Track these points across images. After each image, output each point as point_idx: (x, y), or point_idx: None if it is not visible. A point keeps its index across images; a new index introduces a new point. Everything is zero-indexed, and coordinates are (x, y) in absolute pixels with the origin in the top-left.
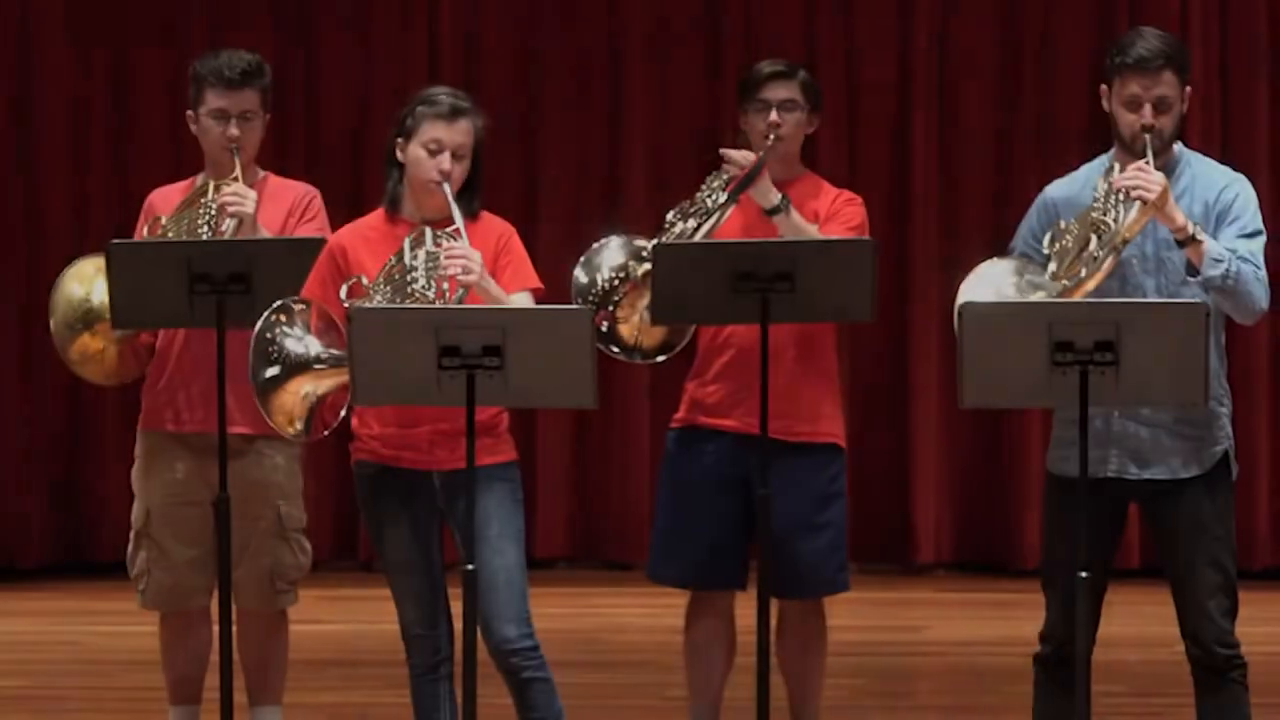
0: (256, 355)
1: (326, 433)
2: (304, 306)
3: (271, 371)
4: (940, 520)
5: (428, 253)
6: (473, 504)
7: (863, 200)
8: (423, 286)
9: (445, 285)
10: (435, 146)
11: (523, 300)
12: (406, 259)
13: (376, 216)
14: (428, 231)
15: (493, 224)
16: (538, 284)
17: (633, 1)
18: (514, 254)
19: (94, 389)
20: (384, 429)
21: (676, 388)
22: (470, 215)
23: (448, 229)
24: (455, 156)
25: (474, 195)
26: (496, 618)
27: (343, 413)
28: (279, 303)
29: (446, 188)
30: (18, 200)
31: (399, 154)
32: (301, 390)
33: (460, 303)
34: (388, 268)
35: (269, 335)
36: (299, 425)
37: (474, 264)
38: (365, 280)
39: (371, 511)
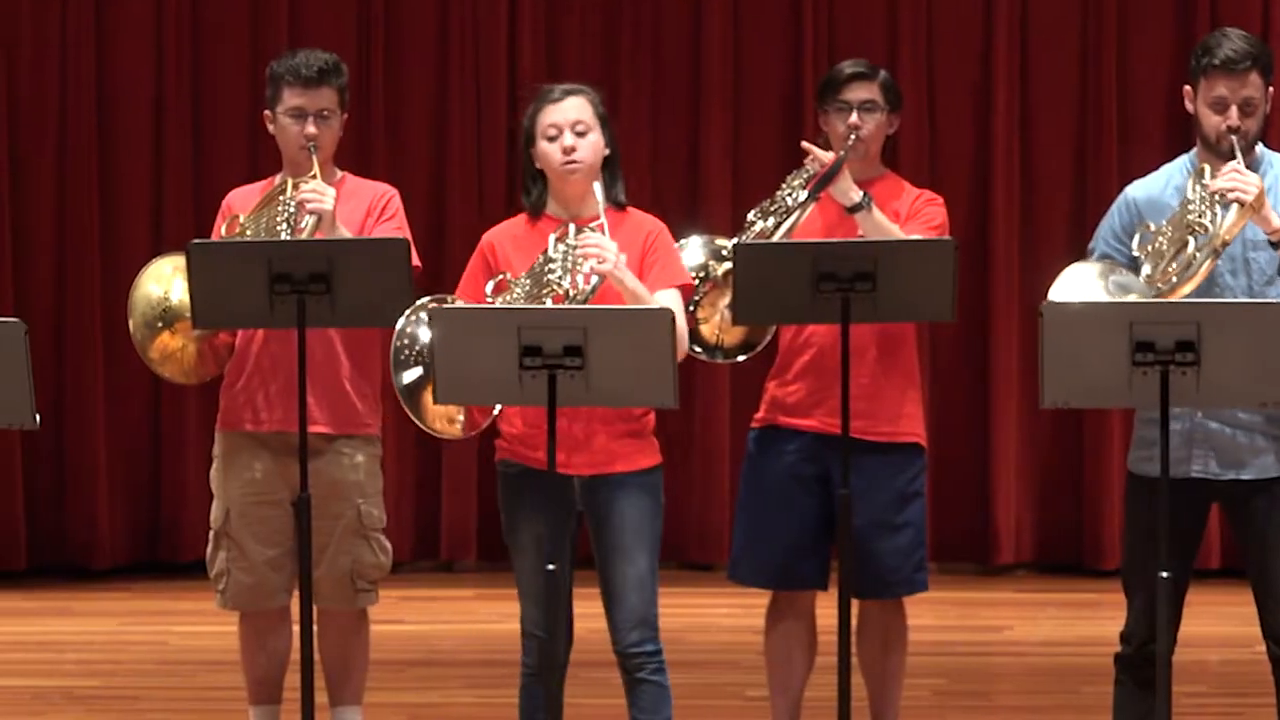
0: (395, 360)
1: (477, 431)
2: (453, 300)
3: (413, 374)
4: (1021, 520)
5: (567, 244)
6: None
7: (943, 200)
8: (558, 278)
9: (580, 276)
10: (554, 132)
11: (668, 298)
12: (549, 252)
13: (521, 218)
14: (571, 226)
15: (642, 221)
16: (687, 280)
17: None
18: (661, 251)
19: (174, 389)
20: (526, 429)
21: (757, 387)
22: (616, 204)
23: (592, 224)
24: (576, 133)
25: (615, 180)
26: (623, 623)
27: (495, 411)
28: (417, 303)
29: (598, 186)
30: (95, 200)
31: (534, 161)
32: None
33: (594, 293)
34: (535, 264)
35: (404, 338)
36: (459, 423)
37: (609, 254)
38: (509, 276)
39: (509, 510)
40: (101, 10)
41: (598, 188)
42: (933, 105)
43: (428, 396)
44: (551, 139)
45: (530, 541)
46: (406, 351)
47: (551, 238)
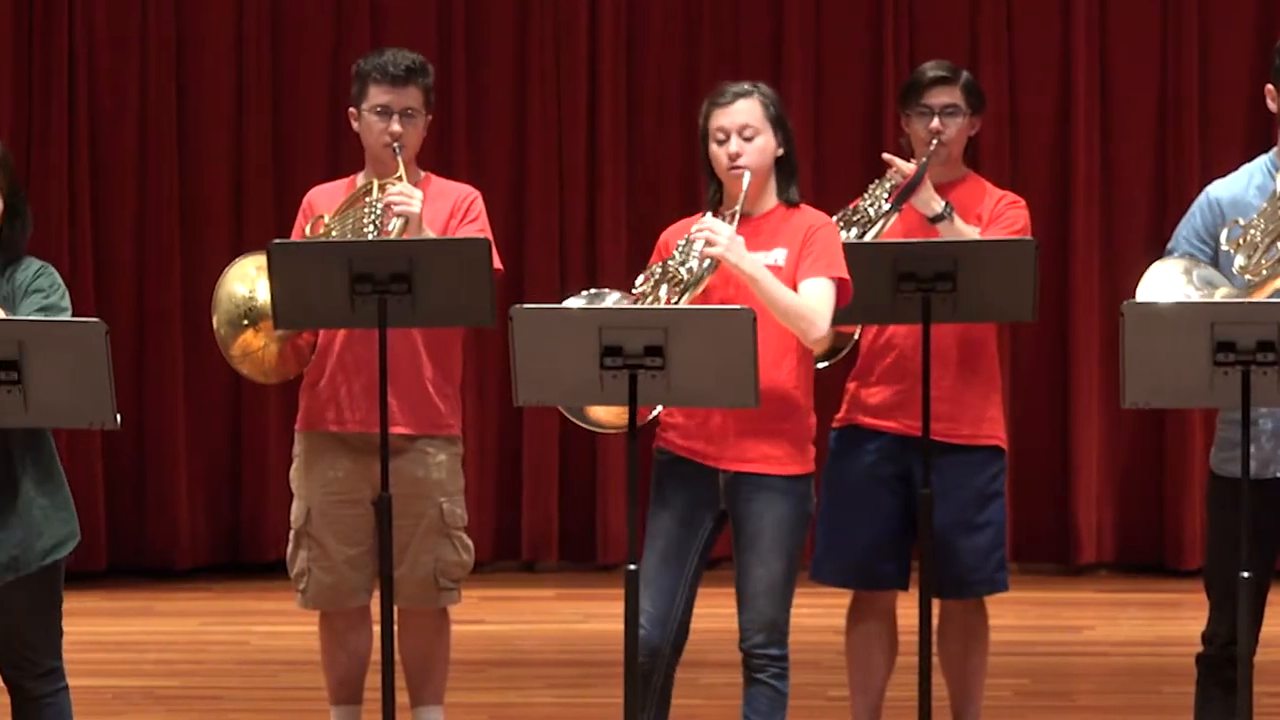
0: None
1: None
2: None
3: None
4: (1102, 520)
5: (693, 230)
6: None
7: (1025, 203)
8: (679, 263)
9: (695, 261)
10: (721, 135)
11: (813, 286)
12: (684, 239)
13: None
14: (708, 214)
15: (809, 216)
16: (841, 274)
17: None
18: (820, 244)
19: (256, 389)
20: (683, 419)
21: (838, 387)
22: (788, 202)
23: (727, 212)
24: (743, 138)
25: (790, 179)
26: (750, 624)
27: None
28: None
29: (747, 177)
30: (176, 200)
31: (711, 161)
32: None
33: (706, 275)
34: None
35: None
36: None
37: (720, 238)
38: (654, 266)
39: (655, 496)
40: (182, 9)
41: (747, 177)
42: (1014, 105)
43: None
44: (720, 142)
45: (659, 532)
46: None
47: (704, 217)
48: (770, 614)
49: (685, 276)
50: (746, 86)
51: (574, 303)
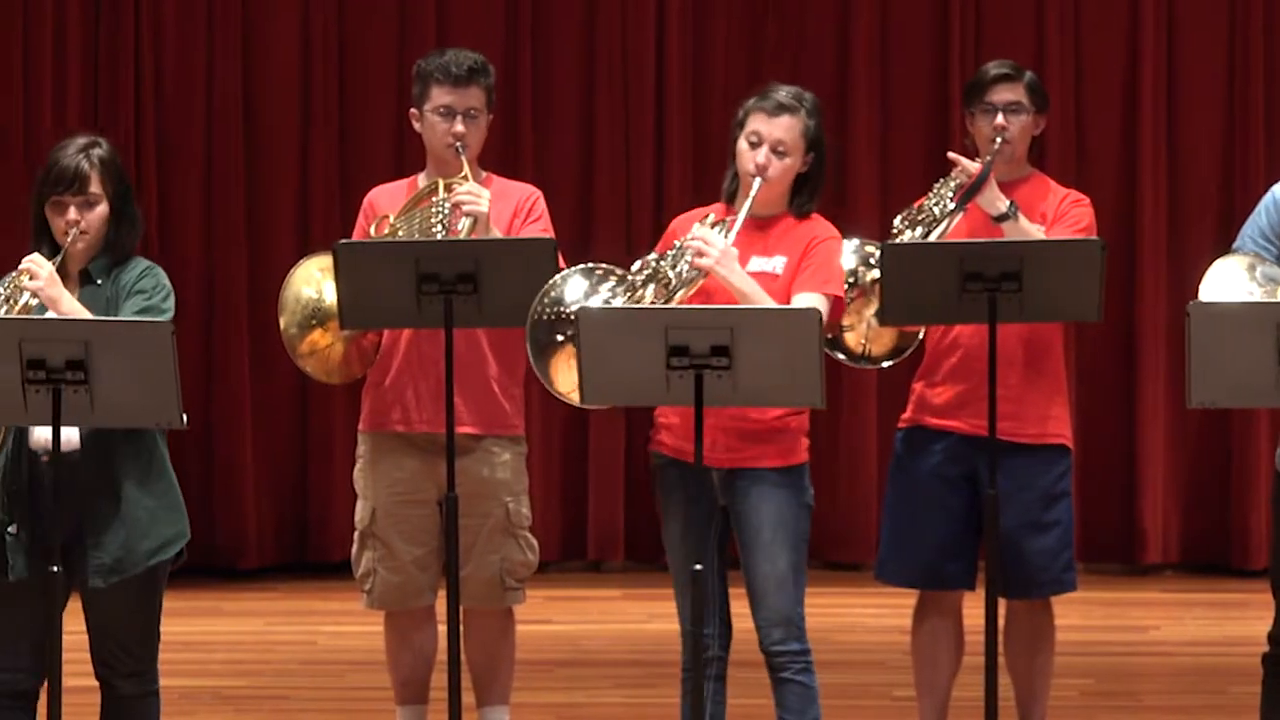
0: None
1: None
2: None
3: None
4: (1168, 520)
5: (688, 238)
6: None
7: (1090, 201)
8: (668, 266)
9: (685, 267)
10: (755, 139)
11: (805, 301)
12: (685, 239)
13: (717, 206)
14: (711, 217)
15: (815, 227)
16: (837, 292)
17: None
18: (819, 256)
19: (322, 389)
20: (675, 420)
21: (904, 387)
22: (799, 215)
23: (727, 218)
24: (774, 150)
25: (810, 196)
26: (764, 620)
27: None
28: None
29: (757, 183)
30: (242, 200)
31: (737, 156)
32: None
33: (687, 286)
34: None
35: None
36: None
37: (711, 250)
38: (654, 257)
39: (659, 503)
40: (248, 10)
41: (756, 183)
42: (1079, 104)
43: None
44: (751, 145)
45: (677, 535)
46: (545, 310)
47: (695, 225)
48: (783, 609)
49: (672, 280)
50: (793, 101)
51: (575, 281)
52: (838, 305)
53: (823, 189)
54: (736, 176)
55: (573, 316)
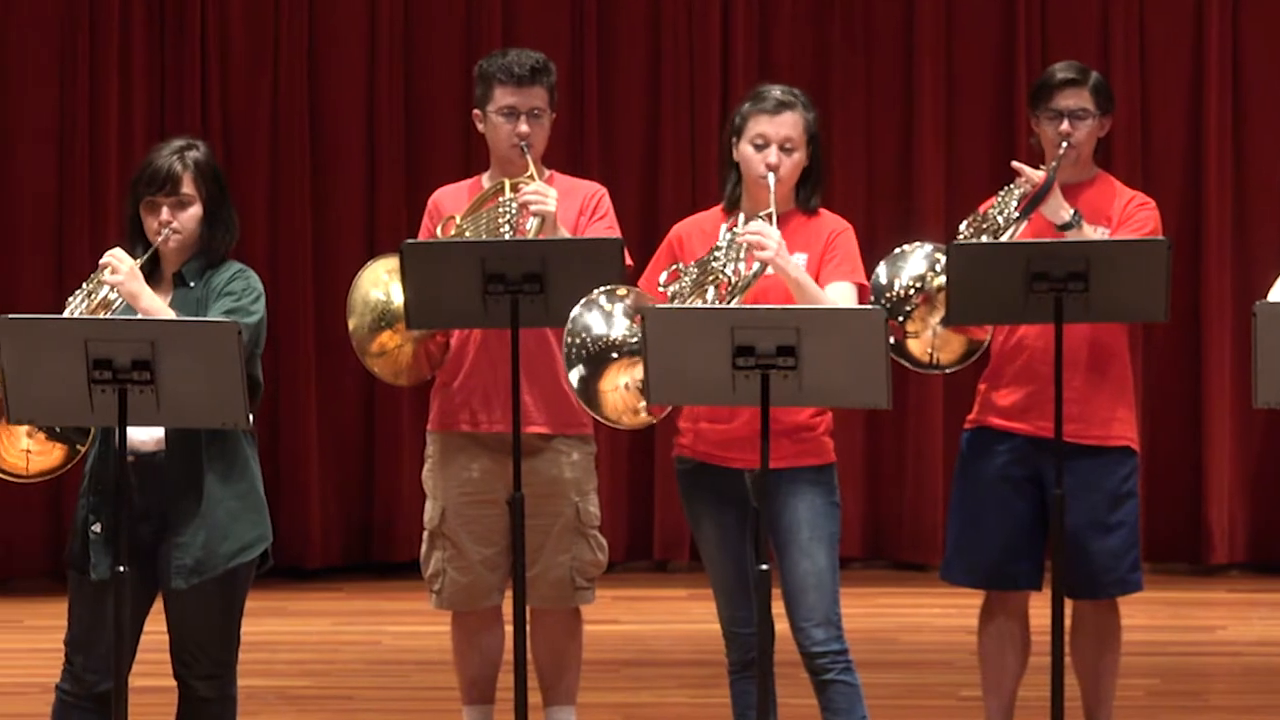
0: (565, 345)
1: (667, 411)
2: (622, 289)
3: (579, 371)
4: (1234, 520)
5: (734, 233)
6: (764, 504)
7: (1156, 204)
8: (722, 265)
9: (742, 264)
10: (761, 141)
11: (839, 290)
12: (719, 241)
13: (715, 210)
14: (741, 217)
15: (828, 221)
16: (863, 280)
17: None
18: (840, 249)
19: (389, 389)
20: (699, 424)
21: (970, 387)
22: (806, 209)
23: (761, 213)
24: (782, 149)
25: (813, 190)
26: (805, 620)
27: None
28: (605, 288)
29: (771, 180)
30: (308, 201)
31: (734, 154)
32: (619, 384)
33: (754, 280)
34: (707, 254)
35: (575, 317)
36: (641, 415)
37: (770, 241)
38: (683, 266)
39: (688, 508)
40: (315, 12)
41: (771, 180)
42: (1145, 104)
43: (605, 395)
44: (757, 147)
45: (712, 539)
46: (575, 345)
47: (723, 228)
48: (823, 608)
49: (734, 280)
50: (790, 97)
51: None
52: (864, 294)
53: (824, 182)
54: (739, 183)
55: (616, 340)
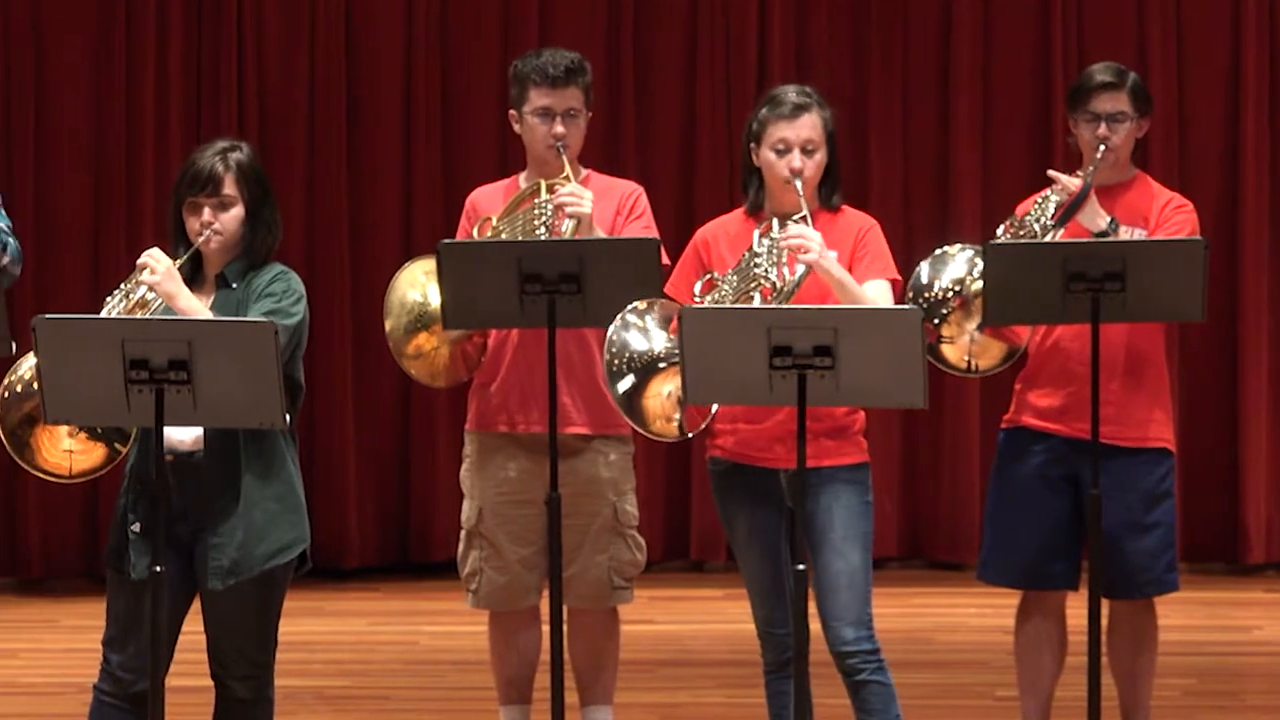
0: (606, 365)
1: (701, 428)
2: (651, 303)
3: (625, 384)
4: (1271, 520)
5: (772, 238)
6: (801, 504)
7: (1193, 206)
8: (764, 271)
9: (786, 269)
10: (783, 146)
11: (876, 288)
12: (755, 247)
13: (738, 214)
14: (775, 221)
15: (853, 218)
16: (896, 276)
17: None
18: (871, 246)
19: (425, 390)
20: (733, 425)
21: (1007, 387)
22: (829, 208)
23: (795, 216)
24: (804, 151)
25: (833, 189)
26: (836, 619)
27: (713, 410)
28: (626, 309)
29: (798, 184)
30: (344, 202)
31: (754, 159)
32: (663, 391)
33: (800, 283)
34: (742, 261)
35: (614, 347)
36: (675, 422)
37: (813, 243)
38: (717, 275)
39: (723, 509)
40: (351, 11)
41: (798, 184)
42: (1182, 105)
43: (648, 404)
44: (779, 153)
45: (745, 539)
46: (617, 363)
47: (756, 233)
48: (855, 607)
49: (779, 285)
50: (805, 99)
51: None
52: (896, 288)
53: (841, 178)
54: (762, 188)
55: (659, 352)
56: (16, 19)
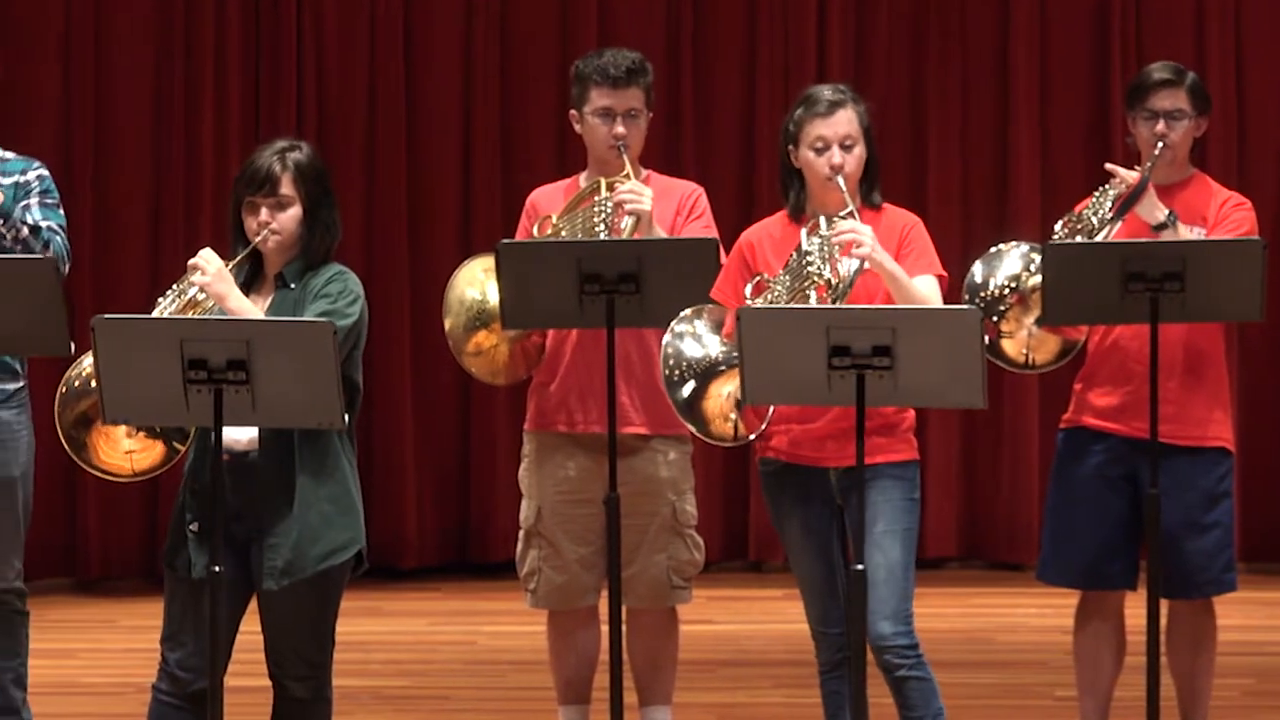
0: (666, 381)
1: (760, 430)
2: (701, 310)
3: (686, 390)
4: None
5: (821, 236)
6: (862, 502)
7: (1251, 205)
8: (817, 269)
9: (839, 265)
10: (821, 144)
11: (925, 283)
12: (804, 246)
13: (780, 217)
14: (822, 219)
15: (898, 214)
16: (941, 272)
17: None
18: (916, 243)
19: (485, 389)
20: (785, 425)
21: (1066, 387)
22: (871, 205)
23: (841, 213)
24: (843, 147)
25: (873, 185)
26: (874, 614)
27: (770, 411)
28: (679, 316)
29: (840, 180)
30: (404, 203)
31: (793, 160)
32: (722, 392)
33: (855, 278)
34: (791, 261)
35: (669, 359)
36: (732, 421)
37: (865, 238)
38: (767, 276)
39: (774, 509)
40: (410, 13)
41: (841, 181)
42: (1241, 104)
43: (707, 406)
44: (818, 151)
45: (797, 538)
46: (676, 371)
47: (804, 232)
48: (893, 601)
49: (834, 281)
50: (839, 95)
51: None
52: (942, 283)
53: (880, 174)
54: (802, 185)
55: (715, 357)
56: (78, 22)
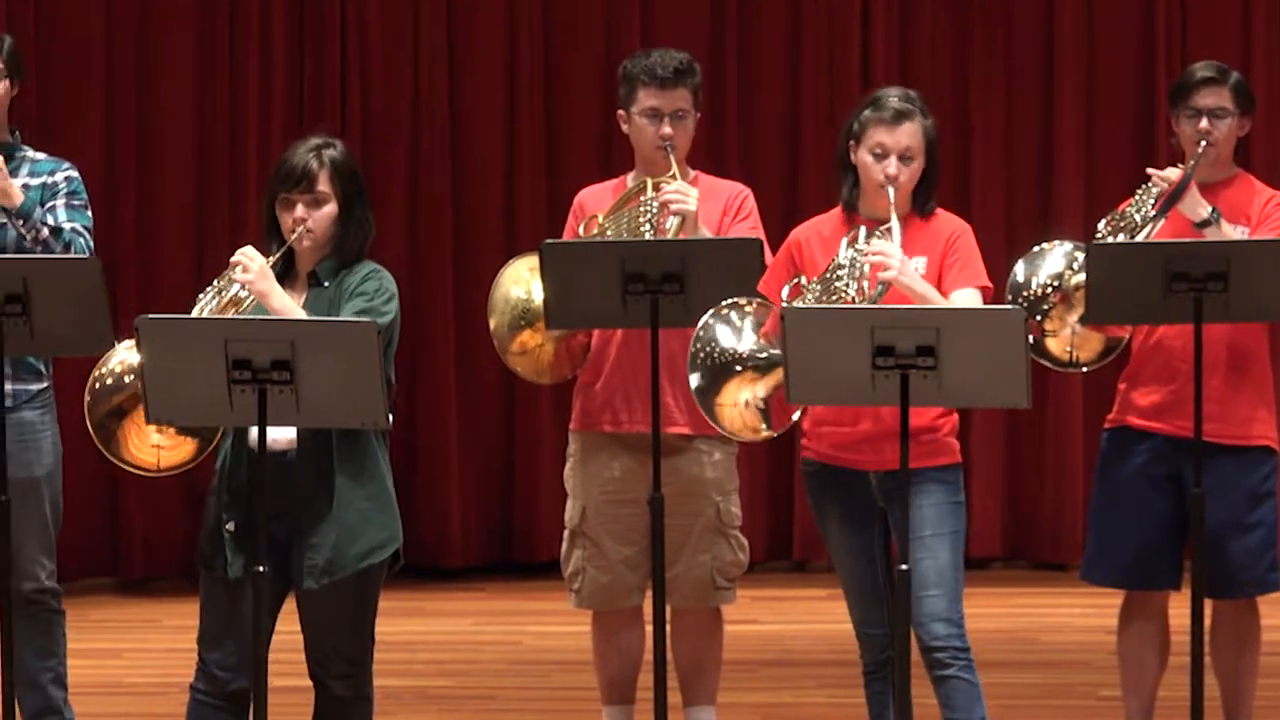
0: (691, 366)
1: (786, 428)
2: (750, 303)
3: (702, 379)
4: None
5: (856, 250)
6: (906, 505)
7: None
8: (845, 285)
9: (865, 282)
10: (880, 151)
11: (966, 296)
12: (839, 258)
13: (834, 214)
14: (862, 230)
15: (945, 222)
16: (986, 283)
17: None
18: (962, 252)
19: (530, 389)
20: (825, 427)
21: (1110, 388)
22: (923, 214)
23: (881, 228)
24: (901, 159)
25: (929, 195)
26: (925, 616)
27: (797, 413)
28: (731, 300)
29: (890, 191)
30: (448, 202)
31: (851, 157)
32: (740, 397)
33: (879, 299)
34: (827, 270)
35: (700, 341)
36: (761, 427)
37: (893, 260)
38: (804, 280)
39: (816, 510)
40: (454, 13)
41: (891, 192)
42: None
43: (721, 400)
44: (877, 157)
45: (839, 540)
46: (704, 356)
47: (844, 241)
48: (944, 604)
49: (858, 299)
50: (908, 105)
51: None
52: (988, 295)
53: (938, 184)
54: (856, 185)
55: (743, 353)
56: (119, 23)
